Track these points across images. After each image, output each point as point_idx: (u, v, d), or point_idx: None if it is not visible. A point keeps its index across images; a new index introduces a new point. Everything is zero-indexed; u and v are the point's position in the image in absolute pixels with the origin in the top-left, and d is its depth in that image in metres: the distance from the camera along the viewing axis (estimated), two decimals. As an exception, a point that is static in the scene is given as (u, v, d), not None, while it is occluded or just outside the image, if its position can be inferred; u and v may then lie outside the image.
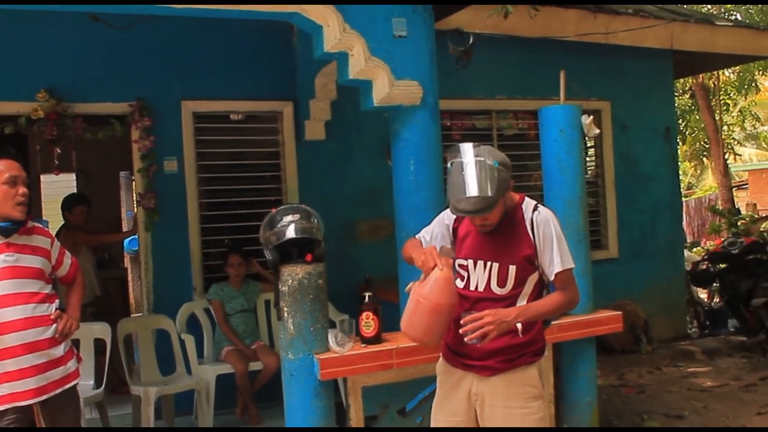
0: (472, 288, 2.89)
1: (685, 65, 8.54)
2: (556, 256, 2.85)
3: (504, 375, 2.85)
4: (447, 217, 3.03)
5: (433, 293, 2.71)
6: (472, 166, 2.66)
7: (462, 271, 2.92)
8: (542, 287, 2.93)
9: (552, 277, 2.88)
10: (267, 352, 5.52)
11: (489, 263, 2.85)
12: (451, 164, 2.73)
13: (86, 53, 5.66)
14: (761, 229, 9.42)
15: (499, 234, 2.86)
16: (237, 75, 6.08)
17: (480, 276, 2.87)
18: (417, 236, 3.09)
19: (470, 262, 2.90)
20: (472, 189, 2.64)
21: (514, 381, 2.86)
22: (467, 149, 2.72)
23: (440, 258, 2.71)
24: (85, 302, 6.05)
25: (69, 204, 6.46)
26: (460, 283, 2.91)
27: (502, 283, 2.85)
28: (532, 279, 2.88)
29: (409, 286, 2.85)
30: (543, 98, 5.67)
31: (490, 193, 2.65)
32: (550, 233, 2.86)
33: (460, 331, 2.73)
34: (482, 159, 2.68)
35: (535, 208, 2.89)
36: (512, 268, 2.83)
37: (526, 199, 2.92)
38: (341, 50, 4.12)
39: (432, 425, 3.04)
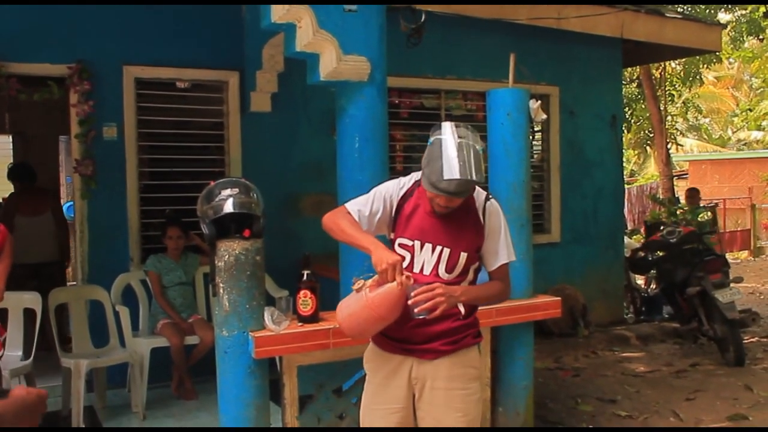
0: (416, 270, 2.78)
1: (633, 55, 8.64)
2: (502, 248, 2.85)
3: (447, 357, 2.80)
4: (393, 191, 2.85)
5: (383, 307, 2.61)
6: (457, 147, 2.57)
7: (404, 251, 2.80)
8: (476, 277, 2.90)
9: (493, 268, 2.88)
10: (204, 326, 5.43)
11: (439, 248, 2.76)
12: (432, 141, 2.63)
13: (23, 10, 5.41)
14: (699, 219, 9.63)
15: (450, 219, 2.77)
16: (182, 41, 5.91)
17: (426, 259, 2.78)
18: (349, 208, 2.84)
19: (417, 243, 2.79)
20: (457, 171, 2.54)
21: (457, 363, 2.83)
22: (450, 128, 2.63)
23: (401, 276, 2.58)
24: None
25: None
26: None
27: (450, 269, 2.78)
28: (474, 268, 2.86)
29: (359, 283, 2.69)
30: (492, 80, 5.64)
31: (474, 177, 2.57)
32: (498, 224, 2.85)
33: (410, 302, 2.61)
34: (468, 142, 2.60)
35: (488, 198, 2.86)
36: (463, 256, 2.77)
37: (477, 187, 2.81)
38: (289, 21, 3.99)
39: (367, 415, 2.91)
